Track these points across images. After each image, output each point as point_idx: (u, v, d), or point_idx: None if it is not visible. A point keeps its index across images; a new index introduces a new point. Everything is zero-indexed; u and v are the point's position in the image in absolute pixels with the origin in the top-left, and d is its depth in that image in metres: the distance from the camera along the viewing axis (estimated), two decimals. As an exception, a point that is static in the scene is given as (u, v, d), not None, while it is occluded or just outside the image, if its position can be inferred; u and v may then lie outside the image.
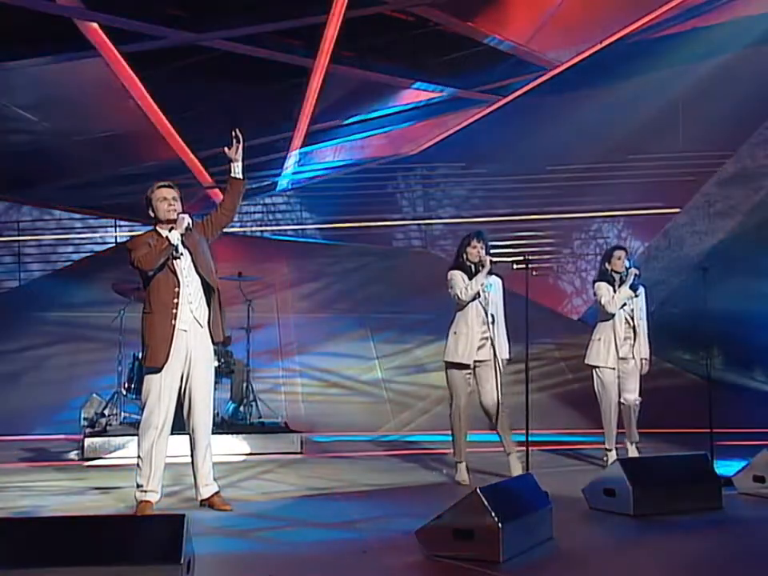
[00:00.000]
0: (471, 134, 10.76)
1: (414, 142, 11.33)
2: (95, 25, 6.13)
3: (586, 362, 6.96)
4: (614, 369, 6.85)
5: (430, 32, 7.51)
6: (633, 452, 6.82)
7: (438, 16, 7.08)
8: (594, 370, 6.92)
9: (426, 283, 10.85)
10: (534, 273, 6.29)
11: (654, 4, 8.03)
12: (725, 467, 6.11)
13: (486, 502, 4.02)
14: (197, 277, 5.25)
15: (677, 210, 11.92)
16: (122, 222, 12.40)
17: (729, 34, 9.97)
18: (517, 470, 6.18)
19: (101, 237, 12.70)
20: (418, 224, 12.70)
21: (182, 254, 5.20)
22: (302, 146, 9.53)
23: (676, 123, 11.01)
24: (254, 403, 8.52)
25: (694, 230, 11.79)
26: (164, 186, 5.28)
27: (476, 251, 6.25)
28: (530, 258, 6.20)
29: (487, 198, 12.09)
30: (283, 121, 8.85)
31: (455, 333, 6.23)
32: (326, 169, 11.88)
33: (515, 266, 6.22)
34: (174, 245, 5.13)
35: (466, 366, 6.21)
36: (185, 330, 5.17)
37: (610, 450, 6.85)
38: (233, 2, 6.57)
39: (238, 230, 12.88)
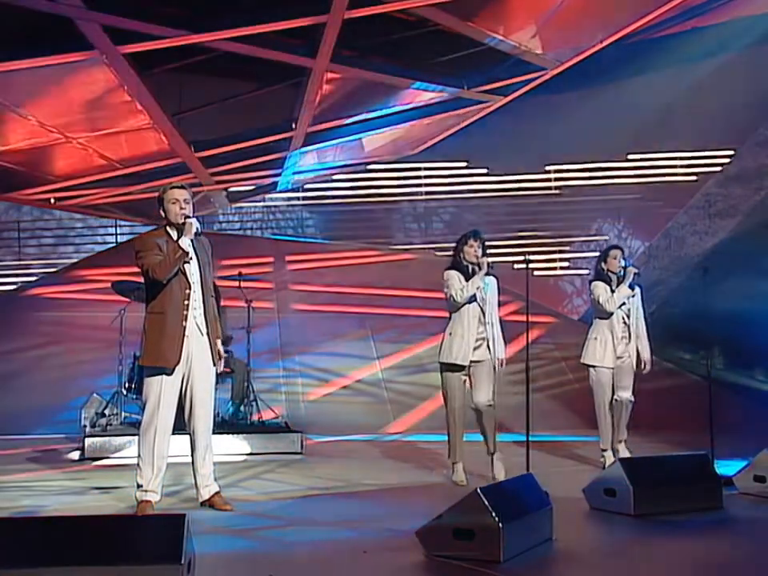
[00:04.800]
0: (471, 134, 10.76)
1: (414, 142, 11.32)
2: (95, 25, 6.11)
3: (582, 361, 6.95)
4: (610, 368, 6.85)
5: (430, 32, 7.50)
6: (624, 452, 6.82)
7: (438, 16, 7.07)
8: (589, 369, 6.91)
9: (425, 283, 10.85)
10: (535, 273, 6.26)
11: (654, 4, 8.02)
12: (725, 467, 6.11)
13: (486, 502, 4.02)
14: (200, 285, 5.27)
15: (677, 210, 11.92)
16: (122, 222, 12.41)
17: (729, 34, 9.97)
18: (499, 469, 6.19)
19: (101, 237, 12.70)
20: (418, 223, 12.70)
21: (191, 258, 5.21)
22: (302, 146, 9.52)
23: (676, 123, 11.00)
24: (254, 403, 8.53)
25: (694, 230, 11.78)
26: (176, 188, 5.28)
27: (473, 251, 6.23)
28: (530, 258, 6.22)
29: (487, 197, 12.08)
30: (283, 121, 8.84)
31: (450, 334, 6.21)
32: (326, 169, 11.87)
33: (515, 266, 6.24)
34: (186, 252, 5.13)
35: (461, 368, 6.20)
36: (187, 336, 5.18)
37: (606, 450, 6.84)
38: (233, 1, 6.56)
39: (238, 230, 12.89)
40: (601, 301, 6.83)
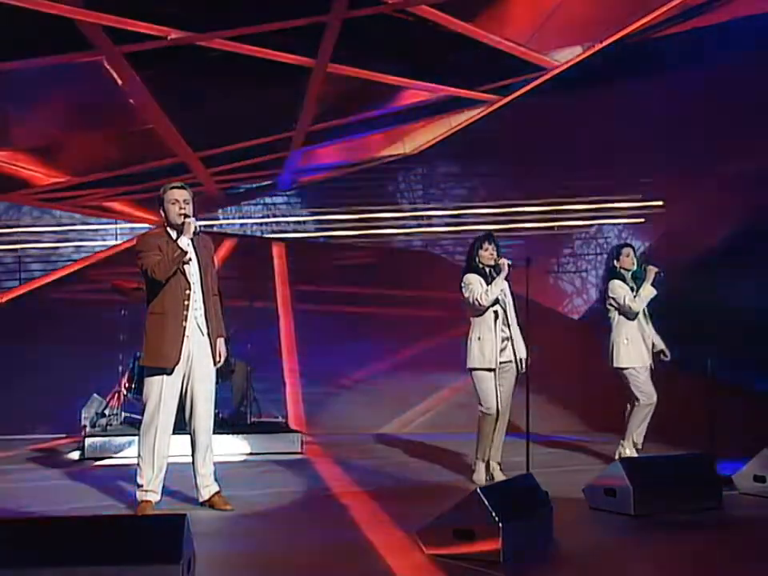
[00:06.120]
0: (471, 134, 10.75)
1: (414, 142, 11.33)
2: (95, 25, 6.13)
3: (615, 365, 6.79)
4: (647, 367, 6.79)
5: (430, 32, 7.51)
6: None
7: (438, 16, 7.08)
8: (628, 371, 6.76)
9: (426, 283, 10.85)
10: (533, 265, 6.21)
11: (654, 4, 8.03)
12: (725, 467, 6.11)
13: (486, 502, 4.02)
14: (200, 285, 5.27)
15: (677, 209, 11.91)
16: (122, 222, 12.41)
17: (729, 34, 9.95)
18: (498, 473, 6.17)
19: (101, 237, 12.70)
20: (419, 224, 12.70)
21: (191, 258, 5.21)
22: (302, 146, 9.53)
23: (676, 123, 10.99)
24: (254, 403, 8.53)
25: (694, 230, 11.77)
26: (176, 188, 5.27)
27: (488, 253, 6.23)
28: (530, 257, 6.21)
29: (487, 197, 12.07)
30: (283, 121, 8.85)
31: (479, 338, 6.14)
32: (326, 169, 11.88)
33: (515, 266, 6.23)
34: (185, 251, 5.13)
35: (493, 370, 6.18)
36: (187, 336, 5.19)
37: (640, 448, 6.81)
38: (233, 1, 6.56)
39: (238, 230, 12.87)
40: (626, 302, 6.72)
